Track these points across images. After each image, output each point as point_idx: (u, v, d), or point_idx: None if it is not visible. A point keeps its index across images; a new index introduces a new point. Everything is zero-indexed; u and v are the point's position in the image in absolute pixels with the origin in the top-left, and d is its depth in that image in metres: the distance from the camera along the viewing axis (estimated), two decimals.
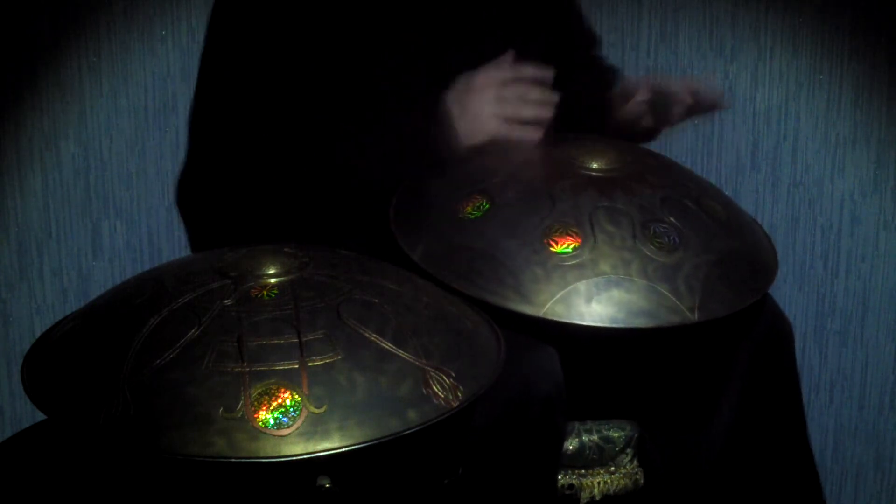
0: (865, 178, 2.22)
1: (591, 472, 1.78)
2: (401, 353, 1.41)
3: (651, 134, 1.96)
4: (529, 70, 1.73)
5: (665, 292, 1.60)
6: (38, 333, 1.66)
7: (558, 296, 1.59)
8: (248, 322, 1.40)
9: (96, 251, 2.06)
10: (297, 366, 1.36)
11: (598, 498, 1.78)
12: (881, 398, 2.30)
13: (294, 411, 1.32)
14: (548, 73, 1.74)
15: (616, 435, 1.78)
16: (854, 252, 2.26)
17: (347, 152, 1.73)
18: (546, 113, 1.73)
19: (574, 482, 1.77)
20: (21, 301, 2.03)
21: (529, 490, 1.61)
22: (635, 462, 1.80)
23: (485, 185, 1.69)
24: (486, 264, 1.61)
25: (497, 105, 1.72)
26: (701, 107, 1.90)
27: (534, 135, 1.73)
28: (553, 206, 1.66)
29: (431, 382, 1.39)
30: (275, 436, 1.31)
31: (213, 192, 1.99)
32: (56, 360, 1.46)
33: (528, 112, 1.72)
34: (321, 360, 1.37)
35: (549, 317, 1.57)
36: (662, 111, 1.90)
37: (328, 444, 1.31)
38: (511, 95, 1.72)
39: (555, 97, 1.74)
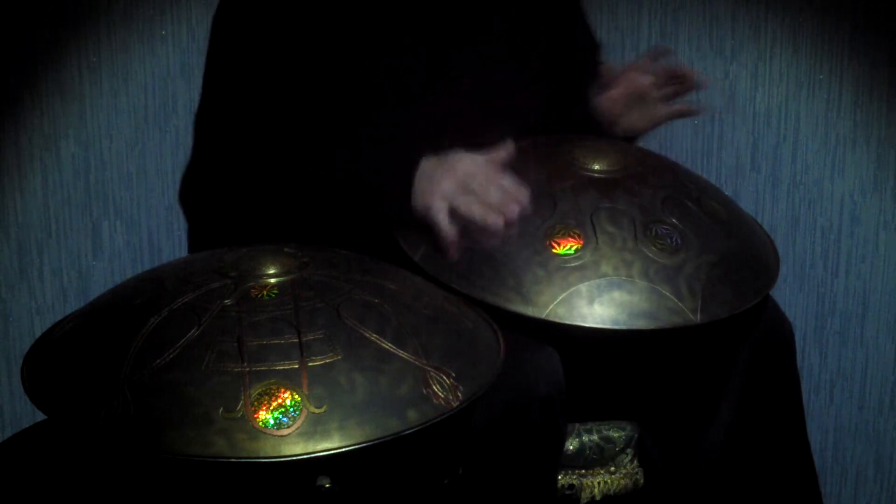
0: (865, 178, 2.22)
1: (591, 472, 1.78)
2: (401, 353, 1.41)
3: (636, 135, 1.94)
4: (507, 180, 1.62)
5: (667, 294, 1.60)
6: (38, 333, 1.66)
7: (560, 297, 1.59)
8: (248, 322, 1.40)
9: (96, 251, 2.06)
10: (297, 366, 1.36)
11: (598, 498, 1.78)
12: (881, 398, 2.30)
13: (294, 411, 1.33)
14: (524, 195, 1.62)
15: (616, 435, 1.78)
16: (854, 252, 2.26)
17: (349, 152, 1.73)
18: (492, 221, 1.60)
19: (574, 482, 1.77)
20: (21, 301, 2.03)
21: (529, 490, 1.61)
22: (635, 462, 1.80)
23: None
24: (488, 265, 1.61)
25: (454, 186, 1.62)
26: (681, 89, 1.89)
27: (454, 236, 1.62)
28: (554, 207, 1.66)
29: (431, 382, 1.39)
30: (275, 436, 1.31)
31: (214, 192, 1.99)
32: (56, 360, 1.46)
33: (475, 211, 1.61)
34: (321, 360, 1.37)
35: (551, 318, 1.57)
36: (644, 107, 1.89)
37: (328, 444, 1.31)
38: (473, 186, 1.61)
39: (514, 212, 1.61)
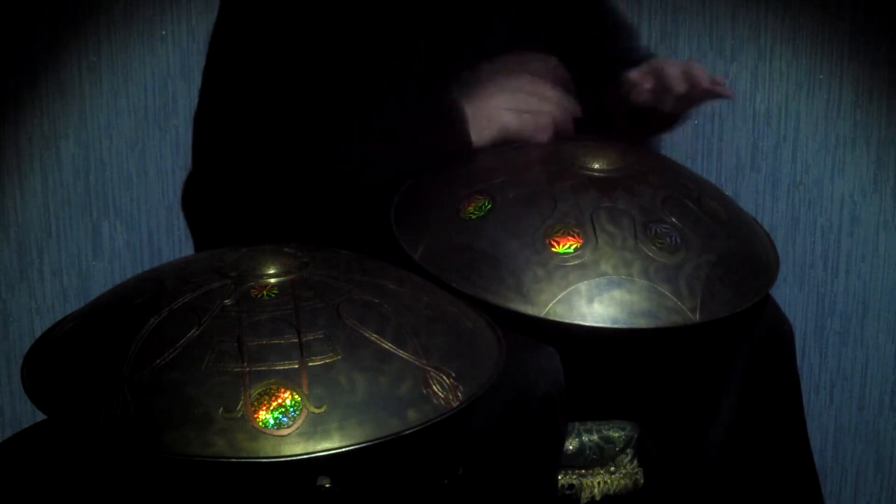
0: (865, 178, 2.22)
1: (591, 472, 1.78)
2: (401, 353, 1.41)
3: (669, 121, 1.92)
4: (547, 66, 1.73)
5: (666, 293, 1.60)
6: (38, 333, 1.66)
7: (559, 296, 1.59)
8: (248, 322, 1.40)
9: (96, 251, 2.06)
10: (297, 366, 1.36)
11: (598, 498, 1.78)
12: (881, 398, 2.30)
13: (294, 411, 1.33)
14: (566, 74, 1.72)
15: (616, 435, 1.78)
16: (854, 252, 2.26)
17: (348, 152, 1.73)
18: (562, 110, 1.72)
19: (574, 482, 1.77)
20: (21, 301, 2.03)
21: (529, 490, 1.61)
22: (635, 462, 1.80)
23: (486, 185, 1.69)
24: (487, 264, 1.62)
25: (512, 100, 1.71)
26: (704, 92, 1.86)
27: (547, 132, 1.72)
28: (554, 206, 1.66)
29: (431, 382, 1.39)
30: (275, 436, 1.31)
31: (214, 192, 1.99)
32: (56, 360, 1.46)
33: (546, 107, 1.71)
34: (321, 360, 1.37)
35: (551, 317, 1.57)
36: (671, 98, 1.86)
37: (328, 444, 1.31)
38: (528, 91, 1.71)
39: (572, 99, 1.72)
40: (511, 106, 1.75)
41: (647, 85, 1.84)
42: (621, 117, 1.90)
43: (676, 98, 1.83)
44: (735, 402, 1.75)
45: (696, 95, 1.84)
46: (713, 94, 1.85)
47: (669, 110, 1.87)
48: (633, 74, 1.85)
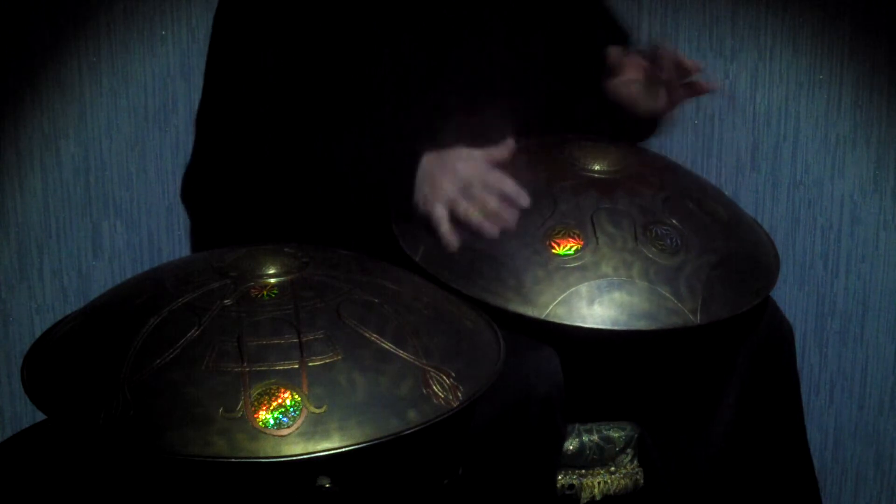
0: (865, 178, 2.22)
1: (591, 472, 1.78)
2: (401, 353, 1.41)
3: (655, 118, 1.89)
4: (507, 183, 1.65)
5: (667, 294, 1.60)
6: (38, 333, 1.66)
7: (560, 298, 1.59)
8: (248, 322, 1.40)
9: (96, 251, 2.06)
10: (297, 366, 1.36)
11: (598, 498, 1.78)
12: (881, 398, 2.30)
13: (294, 411, 1.33)
14: (524, 198, 1.65)
15: (616, 435, 1.79)
16: (854, 252, 2.26)
17: (349, 152, 1.73)
18: (488, 229, 1.64)
19: (574, 482, 1.77)
20: (21, 301, 2.03)
21: (529, 490, 1.61)
22: (635, 462, 1.80)
23: None
24: (488, 265, 1.62)
25: (455, 189, 1.64)
26: (693, 86, 1.84)
27: (482, 228, 1.64)
28: (555, 207, 1.66)
29: (431, 382, 1.39)
30: (275, 436, 1.31)
31: (214, 192, 1.99)
32: (56, 360, 1.46)
33: (474, 219, 1.64)
34: (321, 360, 1.37)
35: (551, 319, 1.57)
36: (657, 92, 1.84)
37: (328, 444, 1.32)
38: (473, 191, 1.64)
39: (513, 219, 1.64)
40: (453, 195, 1.65)
41: (632, 76, 1.82)
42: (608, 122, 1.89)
43: (667, 93, 1.81)
44: (735, 402, 1.75)
45: (679, 93, 1.82)
46: (696, 90, 1.83)
47: (654, 107, 1.85)
48: (619, 61, 1.83)
